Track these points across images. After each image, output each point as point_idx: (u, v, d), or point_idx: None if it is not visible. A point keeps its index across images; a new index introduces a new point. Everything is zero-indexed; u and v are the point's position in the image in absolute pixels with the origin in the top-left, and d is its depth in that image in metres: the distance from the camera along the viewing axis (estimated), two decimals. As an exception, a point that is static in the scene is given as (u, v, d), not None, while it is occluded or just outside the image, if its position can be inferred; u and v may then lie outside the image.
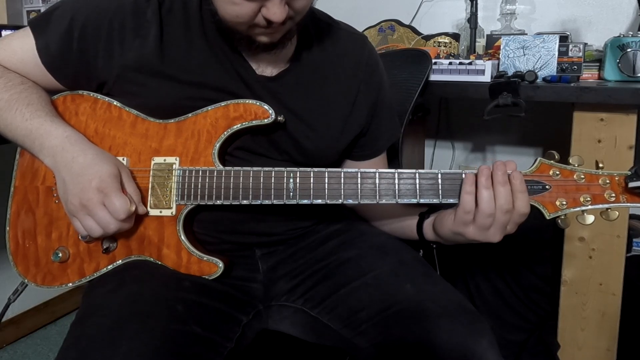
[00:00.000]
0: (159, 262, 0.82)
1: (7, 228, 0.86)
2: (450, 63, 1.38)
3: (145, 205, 0.82)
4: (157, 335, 0.69)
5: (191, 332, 0.73)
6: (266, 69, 0.87)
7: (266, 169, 0.79)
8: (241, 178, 0.79)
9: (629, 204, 0.74)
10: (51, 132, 0.80)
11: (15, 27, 0.96)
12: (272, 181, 0.79)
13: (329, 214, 0.97)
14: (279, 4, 0.71)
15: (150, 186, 0.82)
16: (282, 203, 0.79)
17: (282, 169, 0.79)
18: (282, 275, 0.90)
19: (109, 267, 0.83)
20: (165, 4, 0.84)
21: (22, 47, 0.86)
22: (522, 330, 1.53)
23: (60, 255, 0.82)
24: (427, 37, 1.86)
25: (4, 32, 1.34)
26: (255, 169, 0.79)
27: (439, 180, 0.78)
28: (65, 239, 0.84)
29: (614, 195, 0.75)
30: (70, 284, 0.84)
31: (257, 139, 0.86)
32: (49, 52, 0.84)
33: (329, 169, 0.79)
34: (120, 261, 0.83)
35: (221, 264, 0.81)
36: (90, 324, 0.72)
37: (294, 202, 0.79)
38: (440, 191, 0.78)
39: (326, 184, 0.78)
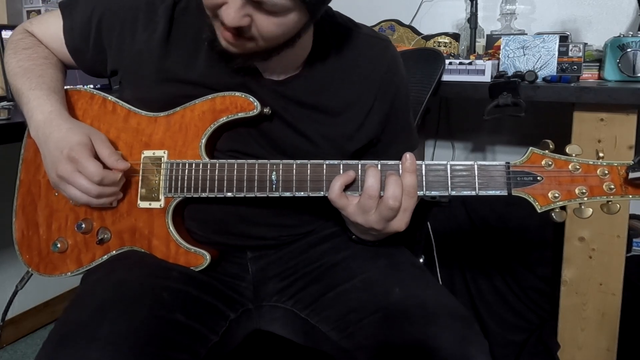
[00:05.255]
0: (150, 253, 0.84)
1: (14, 219, 0.90)
2: (450, 63, 1.37)
3: (136, 199, 0.83)
4: (139, 320, 0.70)
5: (175, 319, 0.73)
6: (273, 74, 0.85)
7: (250, 161, 0.79)
8: (226, 171, 0.80)
9: (630, 197, 0.68)
10: (40, 106, 0.82)
11: (15, 27, 0.97)
12: (256, 173, 0.78)
13: (324, 220, 0.95)
14: (236, 9, 0.68)
15: (140, 179, 0.84)
16: (265, 195, 0.78)
17: (266, 161, 0.79)
18: (272, 276, 0.90)
19: (104, 257, 0.85)
20: (181, 2, 0.85)
21: (54, 24, 0.91)
22: (522, 330, 1.54)
23: (59, 245, 0.86)
24: (427, 37, 1.86)
25: (3, 32, 1.35)
26: (239, 161, 0.79)
27: (423, 172, 0.74)
28: (64, 230, 0.87)
29: (613, 186, 0.69)
30: (69, 273, 0.87)
31: (262, 143, 0.85)
32: (73, 35, 0.90)
33: (312, 161, 0.77)
34: (114, 252, 0.85)
35: (208, 256, 0.82)
36: (75, 309, 0.73)
37: (276, 194, 0.78)
38: (424, 184, 0.74)
39: (308, 175, 0.77)
